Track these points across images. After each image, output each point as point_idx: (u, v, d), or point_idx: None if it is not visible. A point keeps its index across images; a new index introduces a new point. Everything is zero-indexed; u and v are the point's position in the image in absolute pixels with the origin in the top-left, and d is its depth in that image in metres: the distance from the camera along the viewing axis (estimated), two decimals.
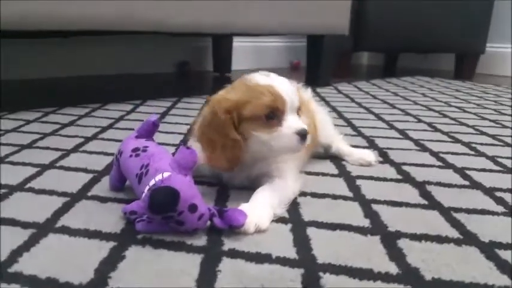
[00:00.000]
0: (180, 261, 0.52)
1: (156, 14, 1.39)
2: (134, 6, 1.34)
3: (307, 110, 0.82)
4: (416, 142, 1.09)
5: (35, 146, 0.97)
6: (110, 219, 0.62)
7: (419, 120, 1.35)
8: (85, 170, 0.82)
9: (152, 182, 0.58)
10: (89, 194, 0.71)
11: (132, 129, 1.13)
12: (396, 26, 2.40)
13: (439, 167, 0.90)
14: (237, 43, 2.64)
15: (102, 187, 0.74)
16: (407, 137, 1.14)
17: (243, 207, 0.62)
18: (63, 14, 1.23)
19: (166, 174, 0.58)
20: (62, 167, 0.83)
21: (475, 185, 0.80)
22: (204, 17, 1.52)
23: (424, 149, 1.03)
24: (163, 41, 2.32)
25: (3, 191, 0.71)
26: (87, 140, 1.03)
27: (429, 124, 1.29)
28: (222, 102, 0.68)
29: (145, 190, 0.58)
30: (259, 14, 1.66)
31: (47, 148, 0.95)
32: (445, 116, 1.43)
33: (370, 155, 0.91)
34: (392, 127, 1.25)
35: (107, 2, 1.29)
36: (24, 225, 0.59)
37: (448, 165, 0.91)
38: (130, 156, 0.67)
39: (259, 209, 0.62)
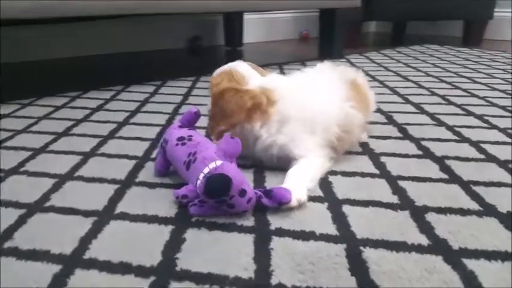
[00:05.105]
0: (234, 241, 0.58)
1: None
2: None
3: (357, 90, 0.89)
4: (432, 116, 1.14)
5: (71, 133, 1.02)
6: (163, 204, 0.67)
7: (433, 93, 1.39)
8: (126, 157, 0.87)
9: (206, 170, 0.63)
10: (137, 180, 0.76)
11: (160, 112, 1.19)
12: None
13: (455, 141, 0.95)
14: (248, 16, 2.65)
15: (147, 173, 0.79)
16: (423, 111, 1.19)
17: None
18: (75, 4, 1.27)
19: (219, 163, 0.63)
20: (104, 154, 0.88)
21: (490, 158, 0.85)
22: None
23: (440, 123, 1.08)
24: (174, 17, 2.33)
25: (55, 180, 0.76)
26: (120, 125, 1.08)
27: (443, 97, 1.34)
28: None
29: (201, 177, 0.63)
30: None
31: (84, 135, 1.00)
32: (456, 87, 1.47)
33: None
34: (407, 101, 1.29)
35: None
36: (85, 213, 0.65)
37: (463, 139, 0.96)
38: (177, 144, 0.72)
39: (296, 186, 0.68)
